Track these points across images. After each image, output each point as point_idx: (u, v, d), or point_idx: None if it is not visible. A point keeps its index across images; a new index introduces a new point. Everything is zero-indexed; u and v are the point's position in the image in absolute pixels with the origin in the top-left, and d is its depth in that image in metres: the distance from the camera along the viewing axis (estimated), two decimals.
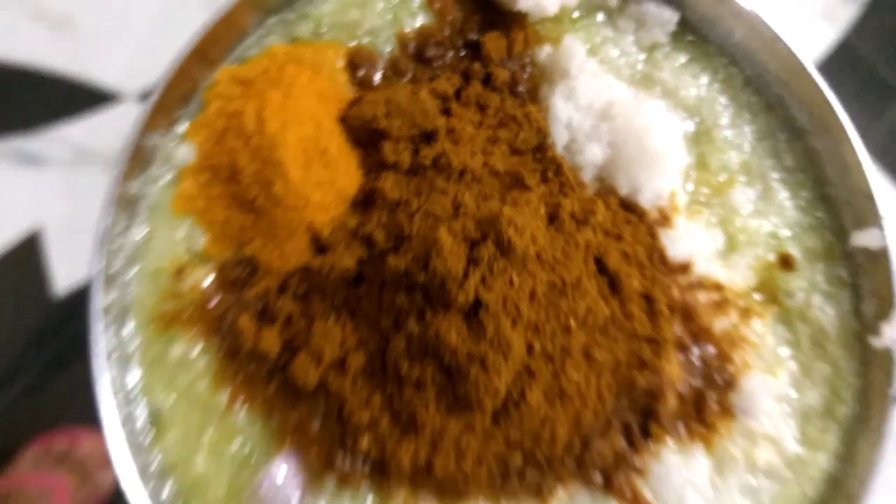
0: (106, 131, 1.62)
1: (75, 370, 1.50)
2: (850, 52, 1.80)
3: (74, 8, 1.62)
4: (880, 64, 1.79)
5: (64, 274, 1.56)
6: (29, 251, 1.55)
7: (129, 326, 0.35)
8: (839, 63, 1.79)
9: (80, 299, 1.49)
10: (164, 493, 0.34)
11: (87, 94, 1.62)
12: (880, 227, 0.37)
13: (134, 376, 0.35)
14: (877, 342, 0.37)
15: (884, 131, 1.77)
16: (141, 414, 0.35)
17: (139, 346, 0.35)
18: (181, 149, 0.37)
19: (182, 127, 0.38)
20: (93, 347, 0.33)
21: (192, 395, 0.35)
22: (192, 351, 0.36)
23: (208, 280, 0.36)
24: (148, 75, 1.61)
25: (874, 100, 1.78)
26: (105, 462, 1.41)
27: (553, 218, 0.35)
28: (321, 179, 0.35)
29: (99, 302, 0.33)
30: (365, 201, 0.37)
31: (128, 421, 0.34)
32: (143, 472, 0.33)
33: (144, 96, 1.59)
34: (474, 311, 0.32)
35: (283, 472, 0.34)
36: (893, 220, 0.37)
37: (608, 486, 0.36)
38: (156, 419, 0.35)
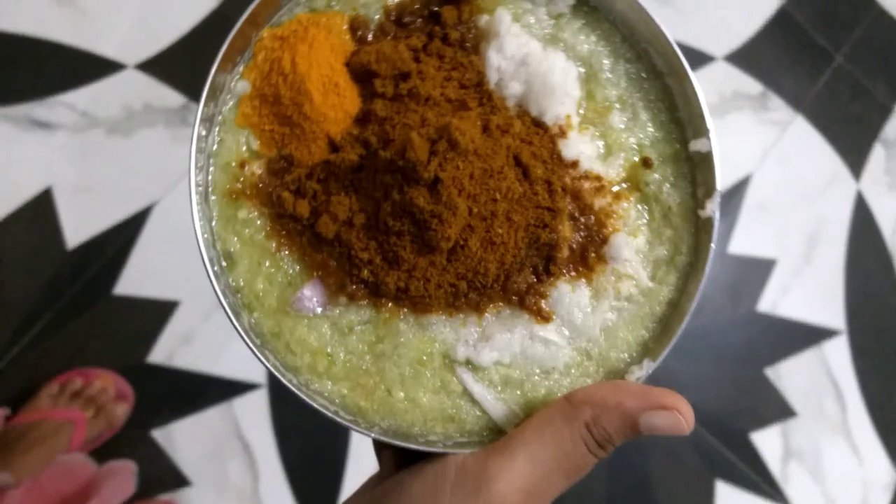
0: (108, 98, 1.77)
1: (87, 317, 1.66)
2: (788, 19, 1.98)
3: None
4: (814, 30, 1.98)
5: (73, 228, 1.72)
6: (41, 207, 1.70)
7: (212, 199, 0.53)
8: (779, 29, 1.98)
9: (90, 251, 1.65)
10: (238, 303, 0.52)
11: (90, 64, 1.77)
12: (708, 137, 0.54)
13: (214, 228, 0.53)
14: (703, 214, 0.54)
15: (819, 93, 1.97)
16: (218, 254, 0.53)
17: (217, 211, 0.53)
18: (240, 84, 0.54)
19: (240, 69, 0.54)
20: (193, 210, 0.51)
21: (252, 242, 0.53)
22: (252, 214, 0.53)
23: (260, 170, 0.54)
24: (145, 46, 1.76)
25: (810, 64, 1.98)
26: (116, 397, 1.58)
27: (486, 128, 0.51)
28: (334, 103, 0.52)
29: (194, 181, 0.50)
30: (363, 118, 0.54)
31: (212, 258, 0.51)
32: (224, 290, 0.51)
33: (144, 66, 1.74)
34: (434, 185, 0.48)
35: (312, 291, 0.52)
36: (715, 134, 0.55)
37: (522, 304, 0.54)
38: (228, 256, 0.53)
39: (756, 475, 1.80)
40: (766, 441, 1.82)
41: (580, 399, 0.48)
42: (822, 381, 1.85)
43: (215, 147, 0.54)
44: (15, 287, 1.66)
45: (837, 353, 1.87)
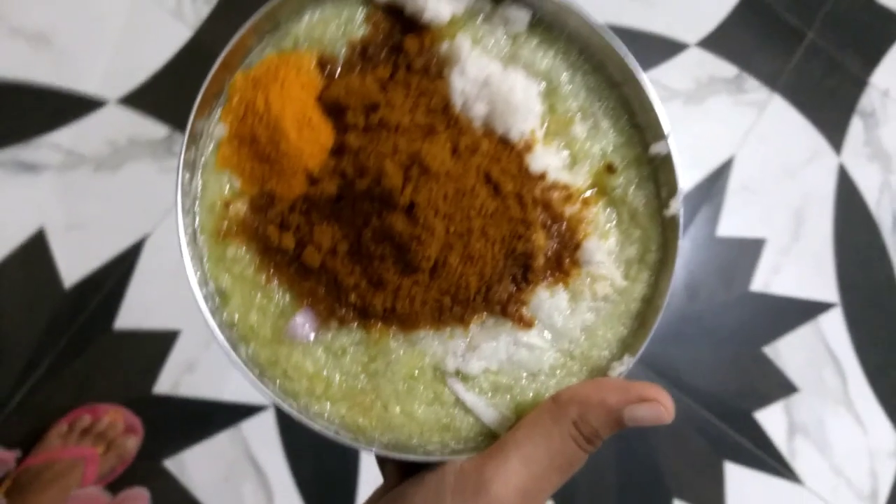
0: (93, 135, 1.79)
1: (90, 354, 1.68)
2: (757, 0, 2.00)
3: (48, 24, 1.78)
4: (783, 10, 2.00)
5: (69, 267, 1.74)
6: (35, 249, 1.72)
7: (200, 239, 0.56)
8: (748, 11, 2.00)
9: (87, 288, 1.67)
10: (234, 336, 0.55)
11: (71, 103, 1.79)
12: (666, 140, 0.57)
13: (206, 267, 0.55)
14: (668, 213, 0.57)
15: (793, 72, 1.99)
16: (211, 291, 0.55)
17: (206, 251, 0.56)
18: (218, 127, 0.56)
19: (217, 113, 0.57)
20: (184, 252, 0.53)
21: (243, 278, 0.55)
22: (240, 250, 0.56)
23: (245, 208, 0.56)
24: (125, 80, 1.79)
25: (782, 43, 2.01)
26: (125, 430, 1.60)
27: (455, 150, 0.54)
28: (309, 138, 0.55)
29: (182, 226, 0.53)
30: (338, 150, 0.56)
31: (206, 296, 0.54)
32: (220, 325, 0.53)
33: (125, 100, 1.76)
34: (411, 209, 0.51)
35: (304, 319, 0.55)
36: (673, 136, 0.57)
37: (504, 312, 0.56)
38: (221, 293, 0.55)
39: (763, 453, 1.82)
40: (771, 419, 1.84)
41: (566, 399, 0.51)
42: (821, 354, 1.88)
43: (199, 190, 0.56)
44: (16, 330, 1.68)
45: (833, 326, 1.89)
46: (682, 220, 0.56)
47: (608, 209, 0.60)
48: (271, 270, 0.56)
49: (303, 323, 0.55)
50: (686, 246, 1.87)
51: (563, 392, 0.52)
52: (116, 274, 1.71)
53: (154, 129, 1.78)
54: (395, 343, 0.56)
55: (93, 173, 1.77)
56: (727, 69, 1.96)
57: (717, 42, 1.96)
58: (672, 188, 0.57)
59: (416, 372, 0.56)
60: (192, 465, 1.68)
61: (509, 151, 0.57)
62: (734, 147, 1.93)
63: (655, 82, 1.89)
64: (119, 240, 1.74)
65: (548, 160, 0.58)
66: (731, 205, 1.90)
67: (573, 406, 0.50)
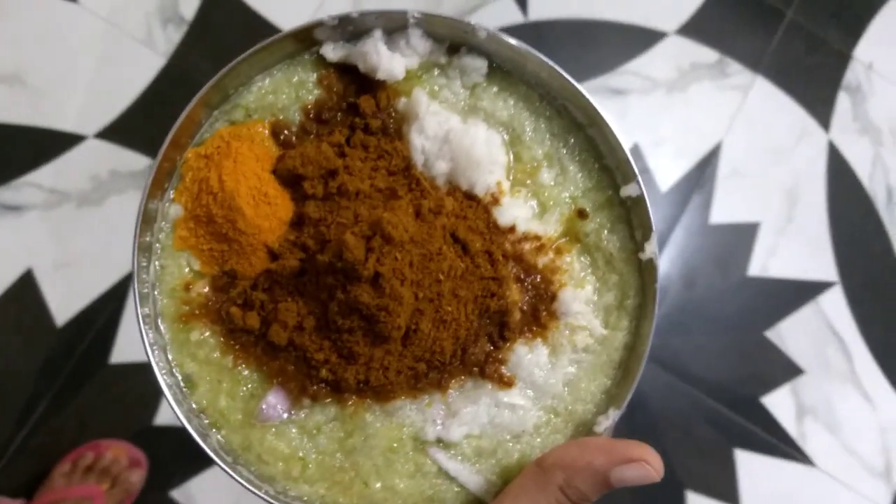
0: (74, 171, 1.77)
1: (87, 390, 1.67)
2: None
3: (21, 64, 1.76)
4: None
5: (59, 305, 1.72)
6: (24, 290, 1.71)
7: (162, 326, 0.54)
8: None
9: (80, 325, 1.66)
10: (204, 423, 0.54)
11: (50, 140, 1.77)
12: (637, 181, 0.55)
13: (170, 355, 0.54)
14: (644, 256, 0.55)
15: (775, 53, 1.97)
16: (178, 379, 0.54)
17: (169, 337, 0.54)
18: (173, 208, 0.55)
19: (170, 194, 0.55)
20: (144, 341, 0.52)
21: (209, 362, 0.54)
22: (204, 334, 0.54)
23: (206, 289, 0.55)
24: (102, 113, 1.76)
25: (762, 23, 1.98)
26: (129, 465, 1.59)
27: (418, 214, 0.52)
28: (267, 213, 0.53)
29: (140, 313, 0.52)
30: (298, 222, 0.55)
31: (172, 384, 0.52)
32: (188, 413, 0.52)
33: (103, 133, 1.74)
34: (376, 280, 0.49)
35: (275, 399, 0.53)
36: (641, 177, 0.55)
37: (483, 373, 0.55)
38: (188, 380, 0.54)
39: (773, 438, 1.81)
40: (778, 403, 1.83)
41: (551, 463, 0.50)
42: (824, 334, 1.86)
43: (158, 274, 0.54)
44: (12, 373, 1.67)
45: (834, 304, 1.87)
46: (658, 263, 0.55)
47: (582, 256, 0.58)
48: (238, 352, 0.54)
49: (274, 404, 0.53)
50: (680, 235, 1.86)
51: (547, 456, 0.50)
52: (108, 308, 1.70)
53: (135, 160, 1.76)
54: (372, 416, 0.54)
55: (77, 209, 1.76)
56: (708, 55, 1.93)
57: (696, 28, 1.94)
58: (646, 230, 0.55)
59: (395, 444, 0.54)
60: (200, 494, 1.67)
61: (475, 207, 0.56)
62: (721, 132, 1.91)
63: (637, 74, 1.86)
64: (108, 274, 1.72)
65: (516, 211, 0.57)
66: (722, 191, 1.88)
67: (559, 471, 0.49)
